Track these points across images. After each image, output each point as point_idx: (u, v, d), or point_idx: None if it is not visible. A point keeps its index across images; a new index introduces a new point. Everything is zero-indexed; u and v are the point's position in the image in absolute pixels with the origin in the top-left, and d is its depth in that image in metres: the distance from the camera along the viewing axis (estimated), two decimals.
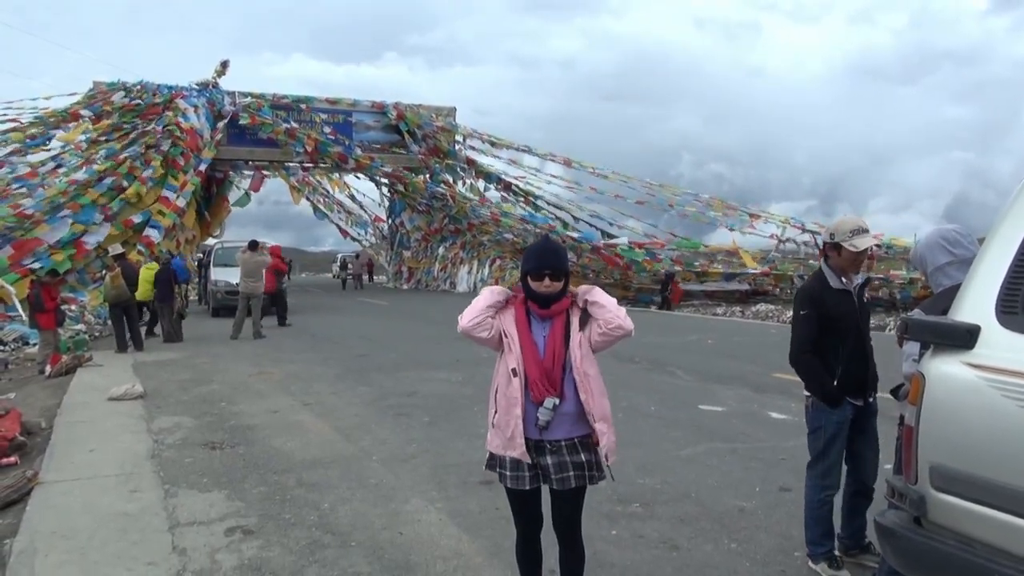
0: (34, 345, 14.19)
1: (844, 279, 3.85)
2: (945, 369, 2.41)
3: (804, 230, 30.05)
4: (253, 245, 16.23)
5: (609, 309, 3.01)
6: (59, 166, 25.22)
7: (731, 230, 31.39)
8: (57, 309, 12.15)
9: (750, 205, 32.24)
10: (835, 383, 3.82)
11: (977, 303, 2.44)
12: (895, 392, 3.46)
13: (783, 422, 7.29)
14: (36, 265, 19.95)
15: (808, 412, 4.00)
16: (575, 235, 31.40)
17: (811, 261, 30.03)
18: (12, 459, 6.25)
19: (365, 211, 45.18)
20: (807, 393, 3.97)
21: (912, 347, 3.14)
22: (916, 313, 3.15)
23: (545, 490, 3.15)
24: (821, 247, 3.99)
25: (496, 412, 3.09)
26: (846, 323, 3.82)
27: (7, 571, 4.07)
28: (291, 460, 6.10)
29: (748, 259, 30.15)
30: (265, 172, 33.52)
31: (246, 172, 33.93)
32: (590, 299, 3.06)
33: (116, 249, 15.95)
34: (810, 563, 3.96)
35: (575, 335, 3.04)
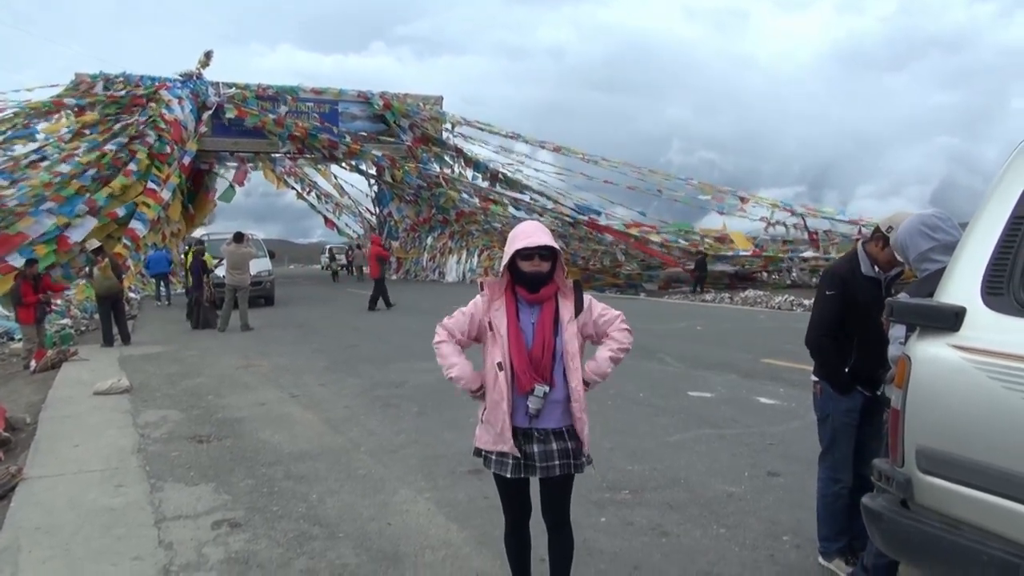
0: (19, 340, 14.08)
1: (876, 268, 3.69)
2: (931, 351, 2.40)
3: (793, 213, 30.12)
4: (239, 237, 16.12)
5: (622, 343, 3.12)
6: (42, 158, 24.97)
7: (721, 213, 31.46)
8: (38, 304, 11.96)
9: (740, 191, 32.22)
10: (847, 370, 3.69)
11: (962, 284, 2.43)
12: (882, 376, 3.46)
13: (772, 407, 7.30)
14: (19, 262, 19.79)
15: (816, 399, 3.84)
16: (568, 216, 31.43)
17: (801, 247, 30.11)
18: None
19: (353, 202, 45.05)
20: (815, 378, 3.82)
21: (898, 330, 3.12)
22: (902, 296, 3.14)
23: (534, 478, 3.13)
24: (870, 232, 3.78)
25: (485, 409, 3.07)
26: (869, 311, 3.61)
27: None
28: (279, 452, 6.07)
29: (740, 240, 30.20)
30: (250, 164, 33.30)
31: (230, 164, 33.72)
32: (610, 333, 3.12)
33: (93, 244, 15.84)
34: (822, 560, 3.80)
35: (566, 324, 3.02)
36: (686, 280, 27.74)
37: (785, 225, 30.31)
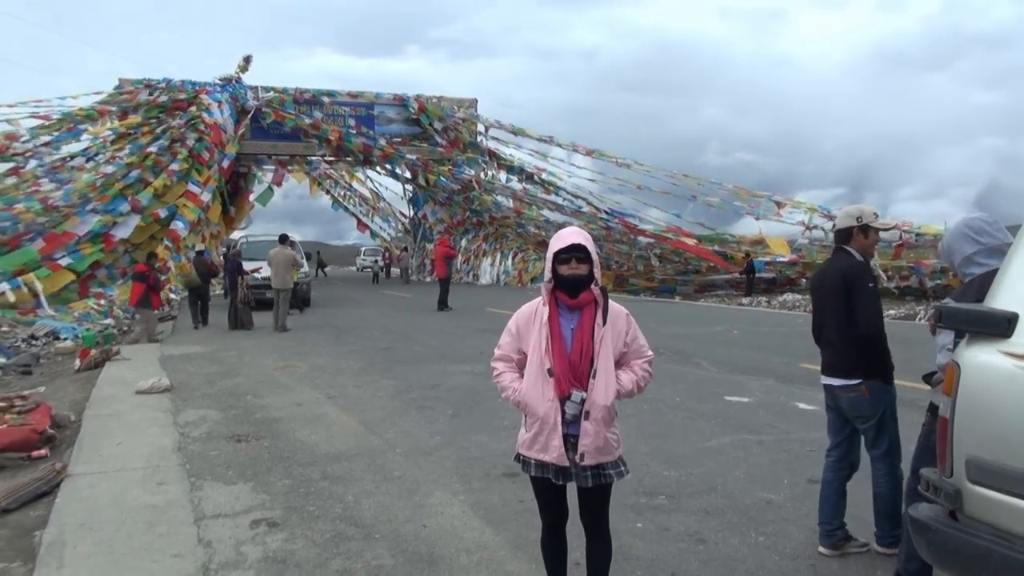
0: (64, 339, 14.45)
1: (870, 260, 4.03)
2: (981, 358, 2.34)
3: (830, 217, 29.64)
4: (283, 239, 16.27)
5: (639, 379, 3.10)
6: (88, 159, 25.64)
7: (757, 219, 31.05)
8: (147, 291, 13.96)
9: (778, 194, 31.76)
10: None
11: (1015, 290, 2.36)
12: (928, 379, 3.39)
13: (811, 413, 7.17)
14: (65, 260, 20.30)
15: (863, 399, 3.86)
16: (603, 219, 31.38)
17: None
18: (42, 452, 6.33)
19: (387, 204, 45.37)
20: (854, 381, 3.85)
21: (945, 337, 3.05)
22: (947, 302, 3.06)
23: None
24: (849, 230, 3.97)
25: (530, 416, 3.04)
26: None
27: (37, 562, 4.12)
28: (316, 453, 6.12)
29: (776, 246, 29.81)
30: (289, 168, 33.70)
31: (267, 167, 34.19)
32: (632, 364, 3.10)
33: (199, 246, 20.44)
34: (879, 548, 3.94)
35: (598, 330, 3.00)
36: (721, 285, 27.49)
37: (823, 230, 29.84)
